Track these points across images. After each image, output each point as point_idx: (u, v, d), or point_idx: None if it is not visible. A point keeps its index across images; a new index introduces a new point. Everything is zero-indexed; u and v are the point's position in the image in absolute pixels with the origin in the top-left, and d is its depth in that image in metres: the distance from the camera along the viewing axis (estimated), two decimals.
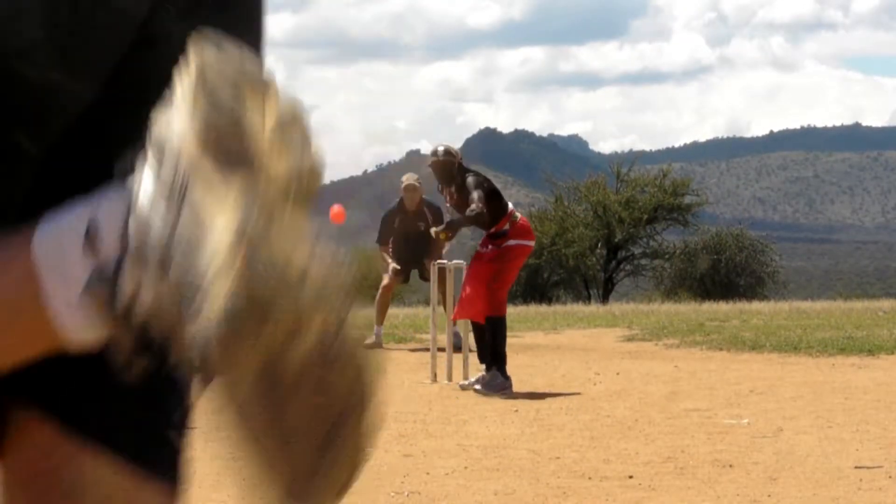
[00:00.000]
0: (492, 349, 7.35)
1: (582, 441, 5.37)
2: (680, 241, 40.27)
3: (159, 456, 1.13)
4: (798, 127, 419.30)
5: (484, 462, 4.84)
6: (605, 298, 35.21)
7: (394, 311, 19.01)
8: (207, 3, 1.02)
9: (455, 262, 8.47)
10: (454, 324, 8.23)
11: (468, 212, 7.43)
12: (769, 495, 4.11)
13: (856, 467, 4.57)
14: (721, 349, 10.27)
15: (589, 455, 4.99)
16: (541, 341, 11.85)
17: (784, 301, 23.30)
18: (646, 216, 38.29)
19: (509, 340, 12.16)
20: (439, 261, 8.59)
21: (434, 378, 8.00)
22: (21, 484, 1.04)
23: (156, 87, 0.94)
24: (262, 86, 0.86)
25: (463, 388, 7.45)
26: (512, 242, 7.45)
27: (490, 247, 7.48)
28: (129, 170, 0.88)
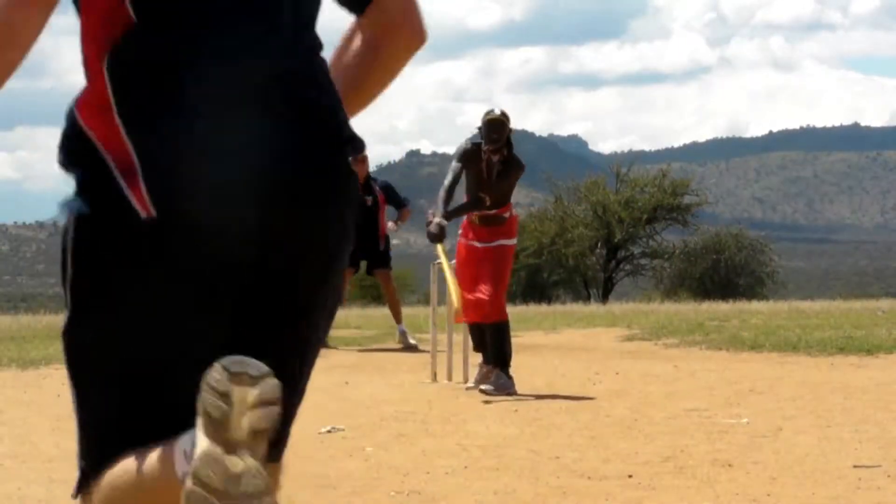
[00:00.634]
0: (499, 352, 7.26)
1: (581, 441, 5.38)
2: (679, 241, 40.29)
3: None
4: (797, 127, 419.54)
5: (484, 461, 4.84)
6: (604, 298, 35.21)
7: None
8: None
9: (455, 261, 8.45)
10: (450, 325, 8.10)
11: (478, 199, 7.24)
12: (768, 494, 4.12)
13: (855, 466, 4.57)
14: (720, 349, 10.27)
15: (588, 455, 5.00)
16: (540, 341, 11.85)
17: (783, 301, 23.29)
18: (645, 216, 38.30)
19: None
20: (439, 261, 8.57)
21: (434, 378, 8.00)
22: None
23: None
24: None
25: (468, 389, 7.37)
26: (507, 242, 7.32)
27: (482, 241, 7.29)
28: None
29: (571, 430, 5.69)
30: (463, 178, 7.33)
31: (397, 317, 10.95)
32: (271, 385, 1.61)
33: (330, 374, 8.48)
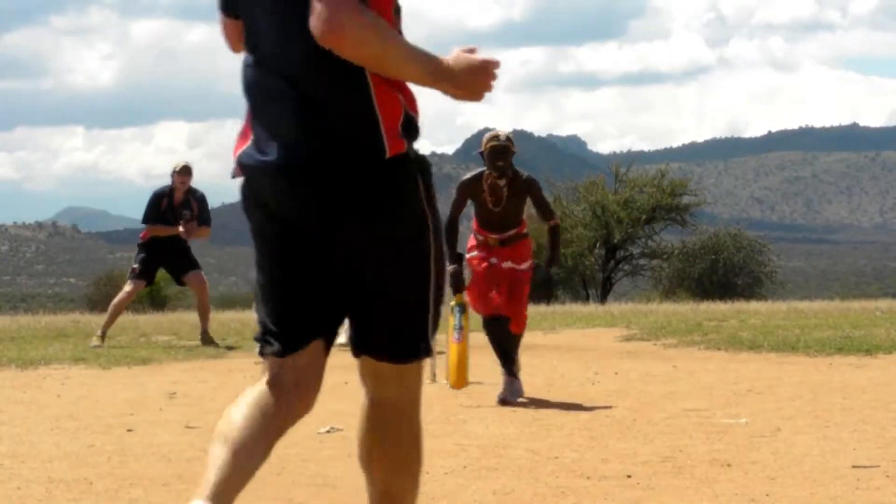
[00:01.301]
0: (511, 357, 7.02)
1: (580, 440, 5.38)
2: (678, 242, 40.28)
3: None
4: (796, 127, 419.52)
5: (483, 461, 4.85)
6: (603, 298, 35.22)
7: None
8: None
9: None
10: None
11: (555, 228, 7.16)
12: (767, 494, 4.12)
13: (853, 467, 4.58)
14: (719, 349, 10.27)
15: (587, 454, 5.00)
16: (539, 341, 11.85)
17: (782, 301, 23.31)
18: (644, 216, 38.30)
19: None
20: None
21: (434, 378, 8.00)
22: None
23: None
24: None
25: (503, 402, 6.82)
26: (526, 266, 7.11)
27: (511, 261, 7.04)
28: None
29: (570, 430, 5.69)
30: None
31: None
32: None
33: (330, 374, 8.46)
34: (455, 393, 7.34)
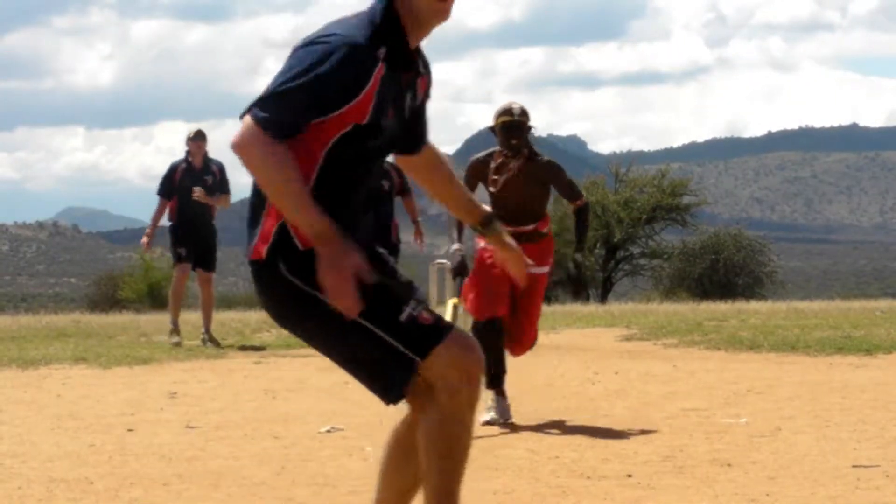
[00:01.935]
0: (502, 371, 6.16)
1: (580, 440, 5.38)
2: (678, 241, 40.28)
3: None
4: (796, 127, 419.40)
5: (483, 461, 4.85)
6: (603, 298, 35.21)
7: None
8: None
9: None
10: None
11: (583, 209, 6.17)
12: (767, 494, 4.12)
13: (853, 466, 4.58)
14: (719, 349, 10.27)
15: (587, 454, 5.00)
16: (539, 341, 11.83)
17: (782, 301, 23.29)
18: (644, 216, 38.31)
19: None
20: (439, 261, 8.55)
21: None
22: None
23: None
24: None
25: (490, 423, 5.97)
26: (545, 270, 6.20)
27: (534, 262, 5.82)
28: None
29: (570, 430, 5.70)
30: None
31: None
32: None
33: (330, 374, 8.49)
34: None
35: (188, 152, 10.74)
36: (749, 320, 13.45)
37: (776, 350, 9.87)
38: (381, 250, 2.83)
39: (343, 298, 2.62)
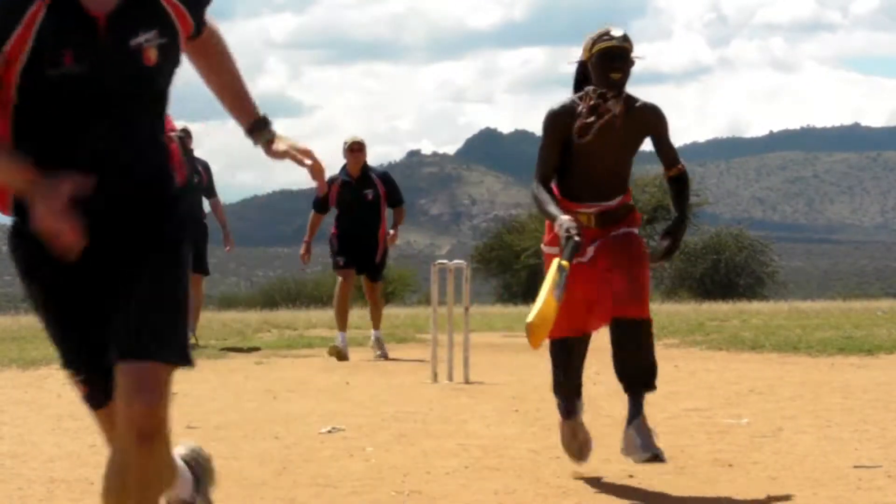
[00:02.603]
0: (653, 365, 4.86)
1: None
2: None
3: None
4: (797, 127, 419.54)
5: (484, 462, 4.85)
6: None
7: (394, 311, 19.00)
8: None
9: (456, 262, 8.45)
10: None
11: (681, 177, 4.68)
12: (768, 495, 4.12)
13: (855, 467, 4.57)
14: (721, 349, 10.27)
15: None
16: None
17: (783, 301, 23.30)
18: (646, 216, 38.30)
19: (509, 340, 12.18)
20: (439, 261, 8.56)
21: (434, 378, 8.00)
22: None
23: None
24: None
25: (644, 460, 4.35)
26: (635, 230, 4.71)
27: (599, 236, 4.52)
28: None
29: None
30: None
31: (376, 322, 10.08)
32: None
33: (330, 374, 8.49)
34: (456, 393, 7.34)
35: None
36: (750, 320, 13.45)
37: (778, 350, 9.86)
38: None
39: (61, 236, 2.38)
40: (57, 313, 2.59)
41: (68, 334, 2.59)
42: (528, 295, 34.43)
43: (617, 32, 4.40)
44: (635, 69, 4.44)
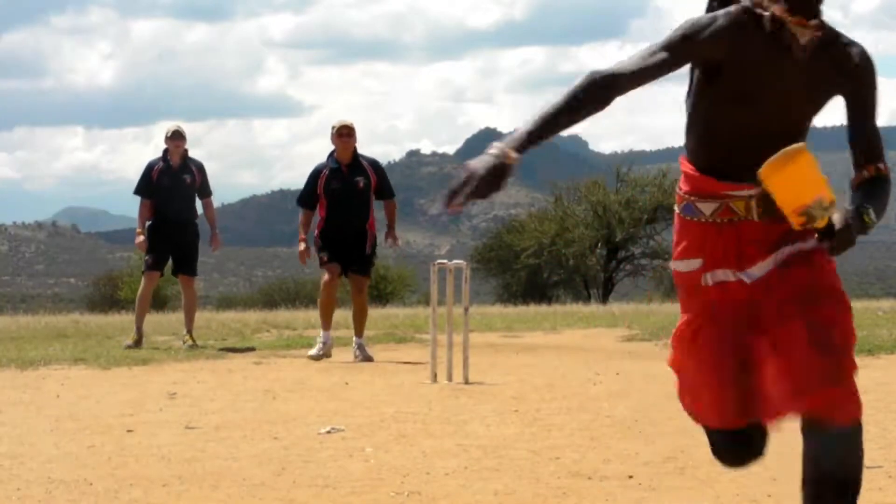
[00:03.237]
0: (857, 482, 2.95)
1: (582, 441, 5.37)
2: None
3: None
4: None
5: (484, 462, 4.84)
6: (604, 298, 35.21)
7: (394, 311, 18.99)
8: None
9: (455, 262, 8.44)
10: None
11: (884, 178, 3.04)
12: (769, 495, 4.11)
13: None
14: None
15: (589, 455, 4.99)
16: (541, 341, 11.85)
17: None
18: (646, 216, 38.32)
19: (508, 340, 12.18)
20: (439, 261, 8.54)
21: (434, 378, 7.99)
22: None
23: None
24: None
25: None
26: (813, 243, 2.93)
27: (768, 250, 2.89)
28: None
29: (572, 431, 5.68)
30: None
31: (360, 329, 9.55)
32: None
33: (330, 374, 8.47)
34: (455, 393, 7.33)
35: (166, 151, 10.67)
36: None
37: None
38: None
39: None
40: None
41: None
42: (528, 295, 34.45)
43: None
44: None
